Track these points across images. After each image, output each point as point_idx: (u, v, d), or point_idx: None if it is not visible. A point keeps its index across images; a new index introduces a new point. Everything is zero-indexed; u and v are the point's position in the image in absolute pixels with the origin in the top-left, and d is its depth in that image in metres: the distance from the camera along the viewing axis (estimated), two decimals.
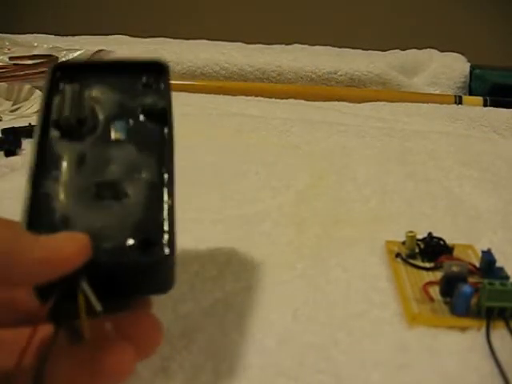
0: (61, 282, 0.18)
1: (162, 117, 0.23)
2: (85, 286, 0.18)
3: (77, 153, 0.22)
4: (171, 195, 0.21)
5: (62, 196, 0.20)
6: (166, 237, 0.20)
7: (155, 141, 0.22)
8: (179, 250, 0.20)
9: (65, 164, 0.21)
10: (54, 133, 0.22)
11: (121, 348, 0.19)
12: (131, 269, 0.20)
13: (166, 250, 0.20)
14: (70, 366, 0.19)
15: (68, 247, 0.18)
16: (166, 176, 0.21)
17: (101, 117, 0.23)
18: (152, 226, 0.20)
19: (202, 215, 0.34)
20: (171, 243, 0.20)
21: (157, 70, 0.24)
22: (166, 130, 0.23)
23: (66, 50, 0.64)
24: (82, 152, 0.22)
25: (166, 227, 0.20)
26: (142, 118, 0.23)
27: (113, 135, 0.22)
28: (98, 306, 0.18)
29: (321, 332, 0.25)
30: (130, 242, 0.20)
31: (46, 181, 0.21)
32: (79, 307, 0.18)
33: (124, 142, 0.22)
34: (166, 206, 0.20)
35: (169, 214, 0.20)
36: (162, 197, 0.21)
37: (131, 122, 0.23)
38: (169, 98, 0.23)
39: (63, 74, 0.24)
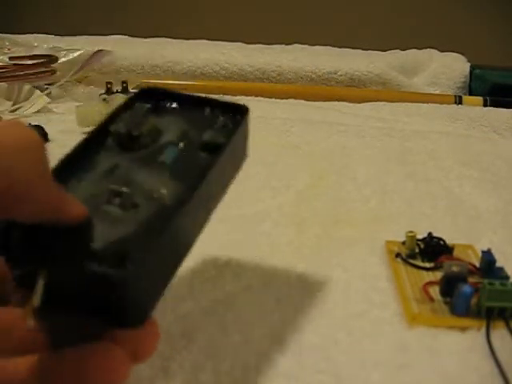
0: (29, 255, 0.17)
1: (215, 151, 0.22)
2: (43, 277, 0.17)
3: (112, 162, 0.21)
4: (172, 221, 0.19)
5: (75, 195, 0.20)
6: (136, 254, 0.17)
7: (196, 171, 0.21)
8: None
9: (95, 169, 0.21)
10: (105, 140, 0.22)
11: (110, 351, 0.17)
12: (85, 277, 0.17)
13: (128, 267, 0.17)
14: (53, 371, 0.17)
15: (76, 205, 0.18)
16: (181, 202, 0.19)
17: (158, 140, 0.22)
18: (134, 241, 0.18)
19: None
20: (139, 265, 0.17)
21: (235, 112, 0.24)
22: (210, 162, 0.21)
23: (66, 49, 0.64)
24: (117, 163, 0.21)
25: (144, 246, 0.18)
26: (196, 149, 0.22)
27: (158, 158, 0.22)
28: (37, 301, 0.17)
29: (321, 332, 0.25)
30: (101, 249, 0.18)
31: (70, 178, 0.20)
32: (33, 294, 0.17)
33: (164, 165, 0.21)
34: (160, 228, 0.18)
35: (154, 236, 0.18)
36: (164, 218, 0.19)
37: (183, 151, 0.22)
38: (231, 137, 0.22)
39: (145, 96, 0.24)
